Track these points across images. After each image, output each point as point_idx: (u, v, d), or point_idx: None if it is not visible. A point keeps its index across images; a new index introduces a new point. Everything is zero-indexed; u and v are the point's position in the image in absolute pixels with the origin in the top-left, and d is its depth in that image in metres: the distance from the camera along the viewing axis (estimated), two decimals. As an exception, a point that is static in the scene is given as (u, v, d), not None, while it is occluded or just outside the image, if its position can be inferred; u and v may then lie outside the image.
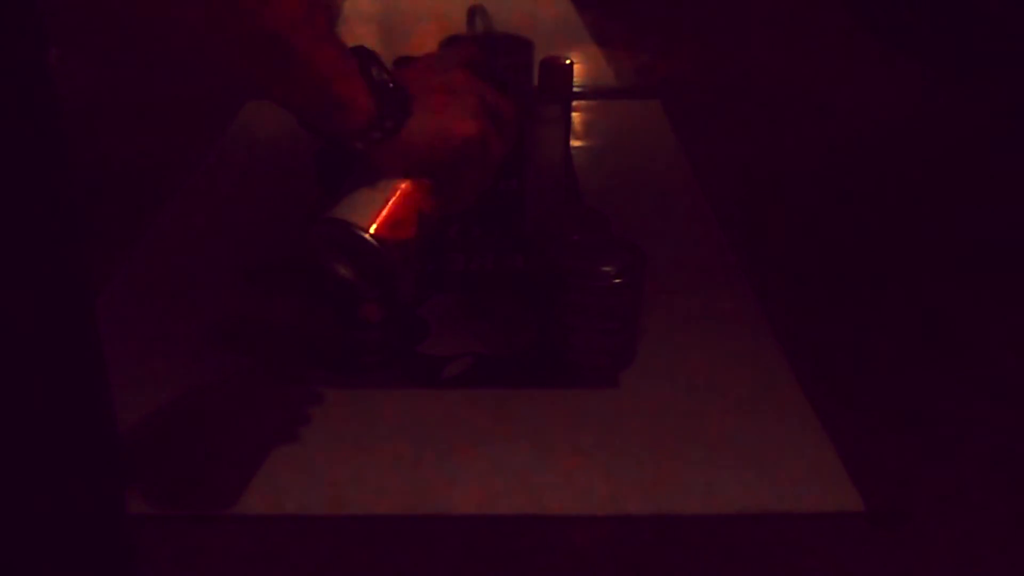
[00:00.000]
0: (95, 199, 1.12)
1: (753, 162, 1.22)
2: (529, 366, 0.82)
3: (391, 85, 0.55)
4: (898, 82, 1.42)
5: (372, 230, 0.56)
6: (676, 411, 0.77)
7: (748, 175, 1.19)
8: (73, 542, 0.43)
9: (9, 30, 0.35)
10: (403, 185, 0.58)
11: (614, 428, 0.76)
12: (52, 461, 0.40)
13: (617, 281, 0.76)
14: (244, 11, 0.45)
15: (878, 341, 0.86)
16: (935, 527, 0.66)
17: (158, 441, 0.74)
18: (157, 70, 1.40)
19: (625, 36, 1.71)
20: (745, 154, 1.24)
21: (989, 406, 0.78)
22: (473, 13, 1.01)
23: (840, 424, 0.75)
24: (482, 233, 0.92)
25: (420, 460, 0.72)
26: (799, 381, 0.81)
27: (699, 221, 1.07)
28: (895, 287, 0.93)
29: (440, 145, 0.56)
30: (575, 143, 1.23)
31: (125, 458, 0.48)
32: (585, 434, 0.75)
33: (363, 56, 0.56)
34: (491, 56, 0.90)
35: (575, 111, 1.25)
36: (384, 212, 0.57)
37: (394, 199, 0.57)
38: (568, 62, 1.03)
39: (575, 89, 1.13)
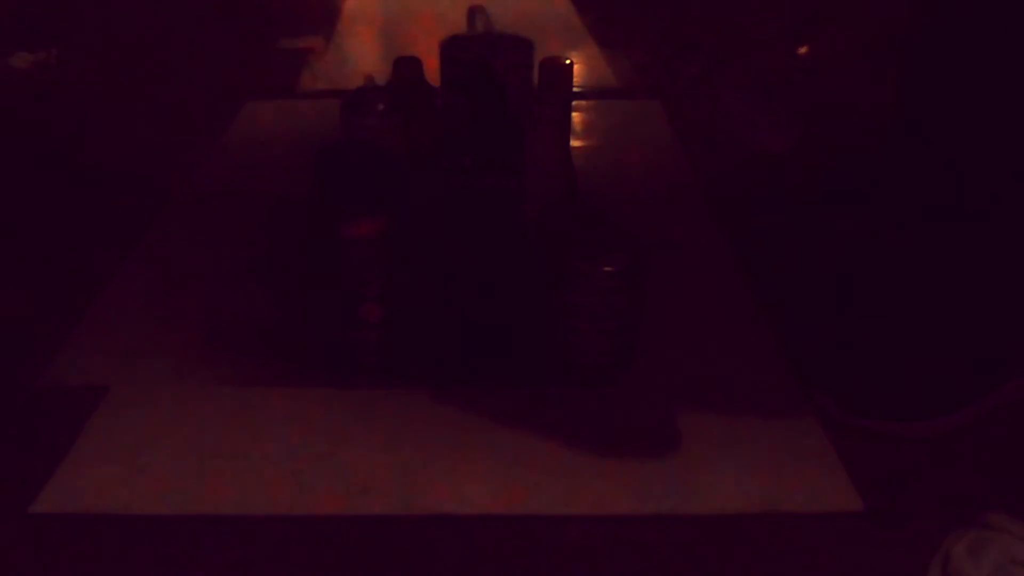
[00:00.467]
0: (95, 199, 1.12)
1: (753, 162, 1.22)
2: (529, 366, 0.82)
3: None
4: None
5: None
6: (675, 411, 0.77)
7: (748, 175, 1.19)
8: None
9: None
10: None
11: (614, 428, 0.76)
12: None
13: (617, 281, 0.76)
14: None
15: (878, 341, 0.86)
16: (935, 527, 0.66)
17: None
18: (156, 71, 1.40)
19: (625, 36, 1.71)
20: (745, 154, 1.24)
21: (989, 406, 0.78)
22: (473, 13, 1.01)
23: (839, 423, 0.75)
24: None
25: (420, 460, 0.72)
26: (799, 381, 0.81)
27: (699, 221, 1.07)
28: (895, 287, 0.93)
29: None
30: (575, 143, 1.23)
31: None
32: (585, 434, 0.75)
33: None
34: (491, 56, 0.90)
35: (575, 111, 1.25)
36: None
37: None
38: (568, 62, 1.03)
39: (575, 89, 1.13)
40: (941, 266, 0.75)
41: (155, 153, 1.25)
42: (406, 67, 1.02)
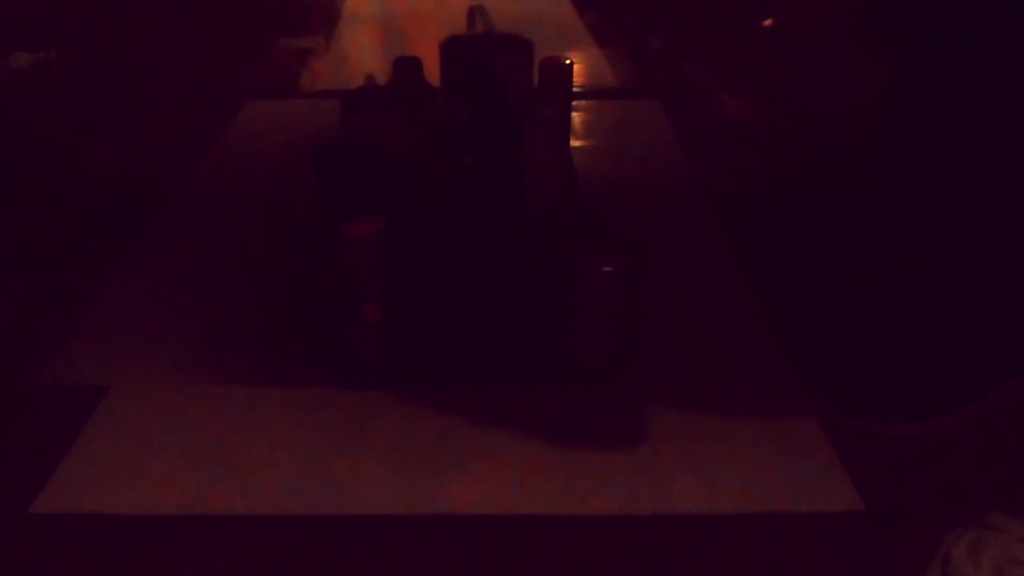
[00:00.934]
0: (95, 199, 1.12)
1: (753, 162, 1.22)
2: (529, 366, 0.82)
3: None
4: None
5: None
6: (676, 411, 0.77)
7: (748, 175, 1.19)
8: None
9: None
10: None
11: (614, 428, 0.76)
12: None
13: (617, 281, 0.76)
14: None
15: (878, 341, 0.86)
16: (935, 527, 0.66)
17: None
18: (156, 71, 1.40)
19: (625, 36, 1.71)
20: (745, 154, 1.24)
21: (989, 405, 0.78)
22: (473, 13, 1.01)
23: (839, 425, 0.75)
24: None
25: (420, 460, 0.72)
26: (799, 381, 0.81)
27: (699, 221, 1.07)
28: (895, 287, 0.93)
29: None
30: (575, 143, 1.23)
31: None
32: (585, 434, 0.75)
33: None
34: (491, 56, 0.90)
35: (575, 111, 1.25)
36: None
37: None
38: (568, 62, 1.03)
39: (575, 89, 1.13)
40: (940, 266, 0.75)
41: (155, 153, 1.25)
42: (406, 67, 1.02)
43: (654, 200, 1.12)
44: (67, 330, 0.87)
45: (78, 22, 1.74)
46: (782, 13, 1.53)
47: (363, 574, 0.64)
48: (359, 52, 1.75)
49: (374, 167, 0.89)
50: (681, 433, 0.75)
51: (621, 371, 0.81)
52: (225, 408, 0.77)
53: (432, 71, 0.98)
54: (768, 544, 0.66)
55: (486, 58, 0.90)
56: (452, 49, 0.92)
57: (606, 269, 0.76)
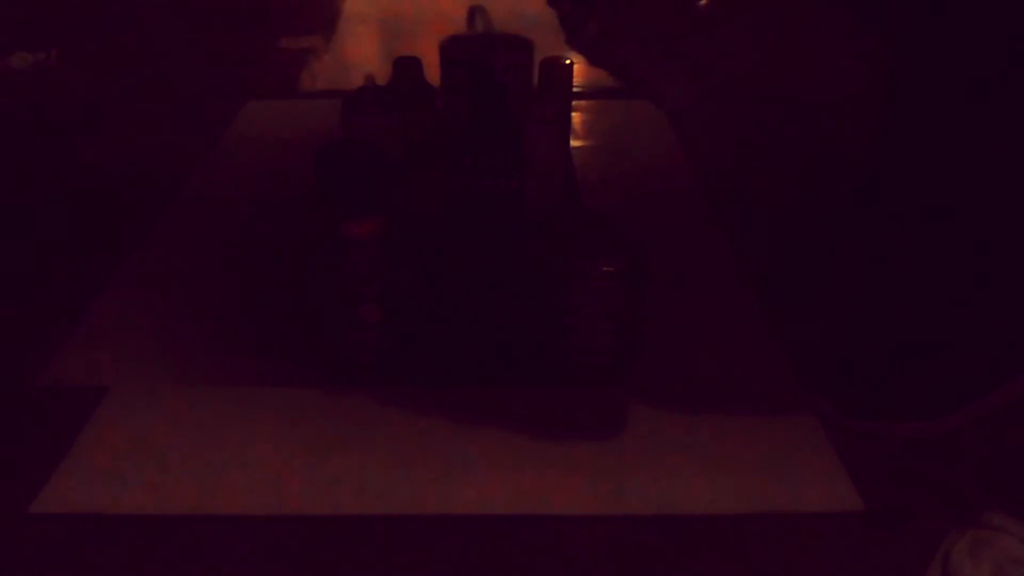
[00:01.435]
0: (95, 200, 1.12)
1: (753, 162, 1.22)
2: (529, 366, 0.82)
3: None
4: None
5: None
6: (676, 411, 0.77)
7: (748, 175, 1.19)
8: None
9: None
10: None
11: (614, 428, 0.76)
12: None
13: (616, 281, 0.76)
14: None
15: (879, 340, 0.86)
16: (935, 527, 0.66)
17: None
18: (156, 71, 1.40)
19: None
20: (745, 154, 1.24)
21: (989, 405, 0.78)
22: (473, 13, 1.01)
23: (839, 426, 0.75)
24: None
25: (419, 460, 0.72)
26: (799, 381, 0.81)
27: (699, 221, 1.07)
28: (895, 287, 0.93)
29: None
30: (575, 143, 1.23)
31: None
32: (585, 434, 0.75)
33: None
34: (491, 56, 0.90)
35: (575, 111, 1.25)
36: None
37: None
38: (568, 62, 1.03)
39: (575, 89, 1.13)
40: (941, 265, 0.75)
41: (155, 153, 1.25)
42: (406, 67, 1.02)
43: (654, 200, 1.12)
44: (67, 330, 0.87)
45: (78, 22, 1.74)
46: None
47: (363, 574, 0.64)
48: (359, 52, 1.75)
49: (374, 167, 0.89)
50: (681, 433, 0.75)
51: (621, 371, 0.81)
52: (225, 408, 0.77)
53: (432, 71, 0.99)
54: (768, 544, 0.66)
55: (486, 58, 0.90)
56: (452, 49, 0.92)
57: (606, 269, 0.76)
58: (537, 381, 0.81)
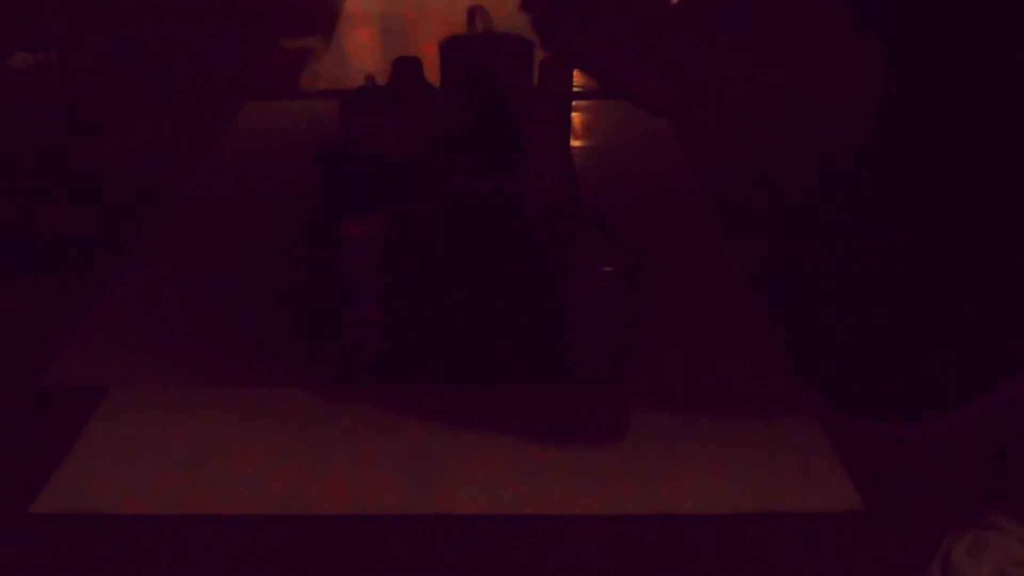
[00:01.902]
0: (95, 199, 1.12)
1: (753, 162, 1.22)
2: (528, 366, 0.82)
3: None
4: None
5: None
6: (676, 411, 0.77)
7: (748, 176, 1.19)
8: None
9: None
10: None
11: (614, 428, 0.76)
12: None
13: (616, 281, 0.76)
14: None
15: (878, 340, 0.86)
16: (935, 527, 0.66)
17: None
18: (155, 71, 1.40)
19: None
20: (745, 154, 1.24)
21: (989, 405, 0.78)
22: (473, 13, 1.01)
23: (839, 426, 0.75)
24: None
25: (419, 460, 0.72)
26: (799, 380, 0.81)
27: (699, 221, 1.07)
28: (894, 287, 0.93)
29: None
30: (575, 143, 1.23)
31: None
32: (585, 434, 0.75)
33: None
34: (491, 56, 0.90)
35: (575, 111, 1.25)
36: None
37: None
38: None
39: (575, 89, 1.13)
40: (940, 265, 0.75)
41: (155, 153, 1.25)
42: (406, 67, 1.02)
43: (654, 200, 1.11)
44: (67, 330, 0.87)
45: (78, 22, 1.74)
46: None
47: (363, 574, 0.64)
48: (359, 52, 1.75)
49: (374, 167, 0.90)
50: (681, 433, 0.75)
51: (621, 371, 0.81)
52: (225, 408, 0.77)
53: (432, 71, 0.99)
54: (768, 544, 0.66)
55: (486, 58, 0.90)
56: (452, 49, 0.92)
57: (605, 269, 0.76)
58: (537, 381, 0.81)
